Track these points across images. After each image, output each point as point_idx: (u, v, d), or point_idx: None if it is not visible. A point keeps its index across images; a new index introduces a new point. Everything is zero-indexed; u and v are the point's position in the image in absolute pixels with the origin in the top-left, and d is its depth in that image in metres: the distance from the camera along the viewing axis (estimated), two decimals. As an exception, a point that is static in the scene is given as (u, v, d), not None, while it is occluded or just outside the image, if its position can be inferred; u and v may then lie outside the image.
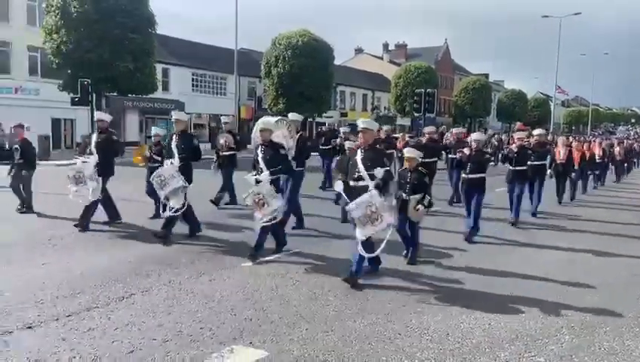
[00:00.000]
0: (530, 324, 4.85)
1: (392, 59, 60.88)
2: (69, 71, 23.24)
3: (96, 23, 22.24)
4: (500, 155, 13.18)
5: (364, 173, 5.79)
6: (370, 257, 5.95)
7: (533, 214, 10.97)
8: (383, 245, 5.74)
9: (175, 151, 7.66)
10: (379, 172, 5.70)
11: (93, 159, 8.25)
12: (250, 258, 6.65)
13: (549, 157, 12.31)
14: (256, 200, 6.54)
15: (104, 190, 8.50)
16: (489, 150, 17.63)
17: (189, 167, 7.74)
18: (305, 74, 32.65)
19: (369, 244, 5.78)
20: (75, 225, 8.18)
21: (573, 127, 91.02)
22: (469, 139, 8.96)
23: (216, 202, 10.47)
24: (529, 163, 10.36)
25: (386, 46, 63.75)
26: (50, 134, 26.39)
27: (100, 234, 8.07)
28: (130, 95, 26.78)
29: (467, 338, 4.47)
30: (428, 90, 26.83)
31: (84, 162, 8.27)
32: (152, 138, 9.98)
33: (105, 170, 8.41)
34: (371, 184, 5.69)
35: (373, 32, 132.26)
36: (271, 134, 7.04)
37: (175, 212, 7.59)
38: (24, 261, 6.44)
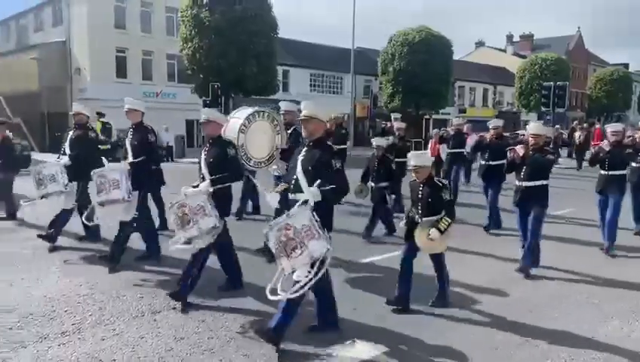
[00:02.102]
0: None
1: (517, 52, 57.40)
2: (201, 76, 25.26)
3: (225, 30, 23.89)
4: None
5: (301, 179, 4.15)
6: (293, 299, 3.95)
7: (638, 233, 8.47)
8: (308, 284, 3.86)
9: (129, 149, 6.22)
10: (311, 192, 4.02)
11: (63, 160, 6.90)
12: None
13: None
14: (180, 214, 4.82)
15: (81, 198, 6.96)
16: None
17: (144, 169, 6.23)
18: (422, 70, 32.11)
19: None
20: (38, 236, 6.94)
21: None
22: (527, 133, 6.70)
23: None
24: (633, 165, 7.88)
25: (510, 38, 60.25)
26: (185, 134, 28.98)
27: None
28: (253, 96, 28.39)
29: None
30: (558, 82, 24.94)
31: (43, 161, 7.02)
32: None
33: (78, 173, 6.78)
34: (311, 196, 4.00)
35: (495, 23, 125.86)
36: (219, 128, 5.30)
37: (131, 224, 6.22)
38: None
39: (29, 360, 3.81)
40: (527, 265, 6.21)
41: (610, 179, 7.31)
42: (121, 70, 29.99)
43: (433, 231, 4.77)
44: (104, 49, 28.91)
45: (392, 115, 11.92)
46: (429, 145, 13.46)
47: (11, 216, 8.80)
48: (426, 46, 32.53)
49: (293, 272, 3.91)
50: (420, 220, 4.95)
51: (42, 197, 6.84)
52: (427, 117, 36.52)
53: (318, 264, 3.85)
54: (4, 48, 35.90)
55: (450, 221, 4.82)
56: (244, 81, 24.94)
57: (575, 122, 30.66)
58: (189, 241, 4.86)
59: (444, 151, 11.84)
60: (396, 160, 9.33)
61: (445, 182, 5.11)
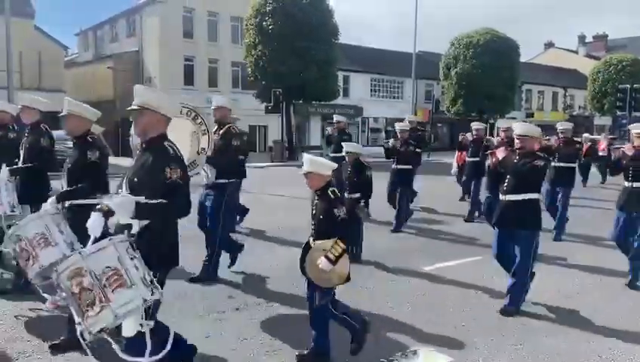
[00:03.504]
0: None
1: (589, 53, 54.54)
2: (264, 82, 25.87)
3: (287, 38, 24.35)
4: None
5: (125, 194, 3.08)
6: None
7: None
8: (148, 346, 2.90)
9: (22, 153, 5.29)
10: (119, 204, 2.83)
11: None
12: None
13: None
14: (19, 248, 3.56)
15: None
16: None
17: (34, 178, 5.19)
18: (486, 73, 31.25)
19: (138, 342, 2.89)
20: None
21: None
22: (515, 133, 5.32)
23: None
24: None
25: (582, 38, 57.36)
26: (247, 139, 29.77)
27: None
28: (314, 102, 28.70)
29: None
30: (635, 84, 23.53)
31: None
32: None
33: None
34: (120, 214, 2.85)
35: (566, 23, 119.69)
36: (82, 124, 4.12)
37: None
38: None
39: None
40: (514, 307, 4.97)
41: (635, 193, 5.86)
42: (189, 78, 31.25)
43: (323, 262, 3.70)
44: (173, 58, 30.25)
45: (408, 117, 10.93)
46: (456, 152, 12.28)
47: None
48: (491, 49, 31.68)
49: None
50: (312, 243, 3.91)
51: None
52: (492, 121, 35.41)
53: (150, 314, 2.88)
54: (83, 58, 38.38)
55: (343, 247, 3.71)
56: (305, 86, 25.29)
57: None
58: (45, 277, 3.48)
59: None
60: (398, 166, 8.88)
61: (336, 194, 3.87)
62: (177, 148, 3.20)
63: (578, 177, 10.21)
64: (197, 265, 5.84)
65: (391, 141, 9.30)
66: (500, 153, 5.25)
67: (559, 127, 8.87)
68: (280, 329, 4.55)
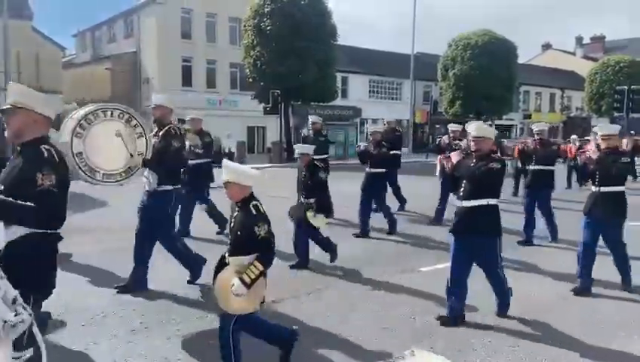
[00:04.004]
0: None
1: (587, 54, 54.69)
2: (262, 83, 25.88)
3: (286, 38, 24.36)
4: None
5: None
6: None
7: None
8: None
9: None
10: None
11: None
12: None
13: None
14: None
15: None
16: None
17: None
18: (484, 75, 31.37)
19: None
20: None
21: None
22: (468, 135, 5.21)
23: None
24: None
25: (579, 40, 57.53)
26: (246, 140, 29.75)
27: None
28: (312, 103, 28.76)
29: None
30: (632, 86, 23.62)
31: None
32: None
33: None
34: None
35: (563, 25, 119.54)
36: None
37: None
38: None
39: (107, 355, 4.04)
40: (505, 310, 4.93)
41: (601, 198, 5.65)
42: (187, 79, 31.25)
43: (236, 284, 3.30)
44: (171, 59, 30.24)
45: (385, 120, 10.73)
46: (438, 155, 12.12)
47: None
48: (489, 50, 31.81)
49: None
50: (227, 259, 3.53)
51: None
52: (489, 123, 35.50)
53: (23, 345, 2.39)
54: (81, 59, 38.36)
55: (261, 269, 3.35)
56: (304, 87, 25.32)
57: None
58: None
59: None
60: (371, 170, 8.44)
61: (259, 210, 3.47)
62: (57, 152, 2.87)
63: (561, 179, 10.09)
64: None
65: (362, 144, 8.95)
66: (455, 157, 4.97)
67: (535, 128, 8.46)
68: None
